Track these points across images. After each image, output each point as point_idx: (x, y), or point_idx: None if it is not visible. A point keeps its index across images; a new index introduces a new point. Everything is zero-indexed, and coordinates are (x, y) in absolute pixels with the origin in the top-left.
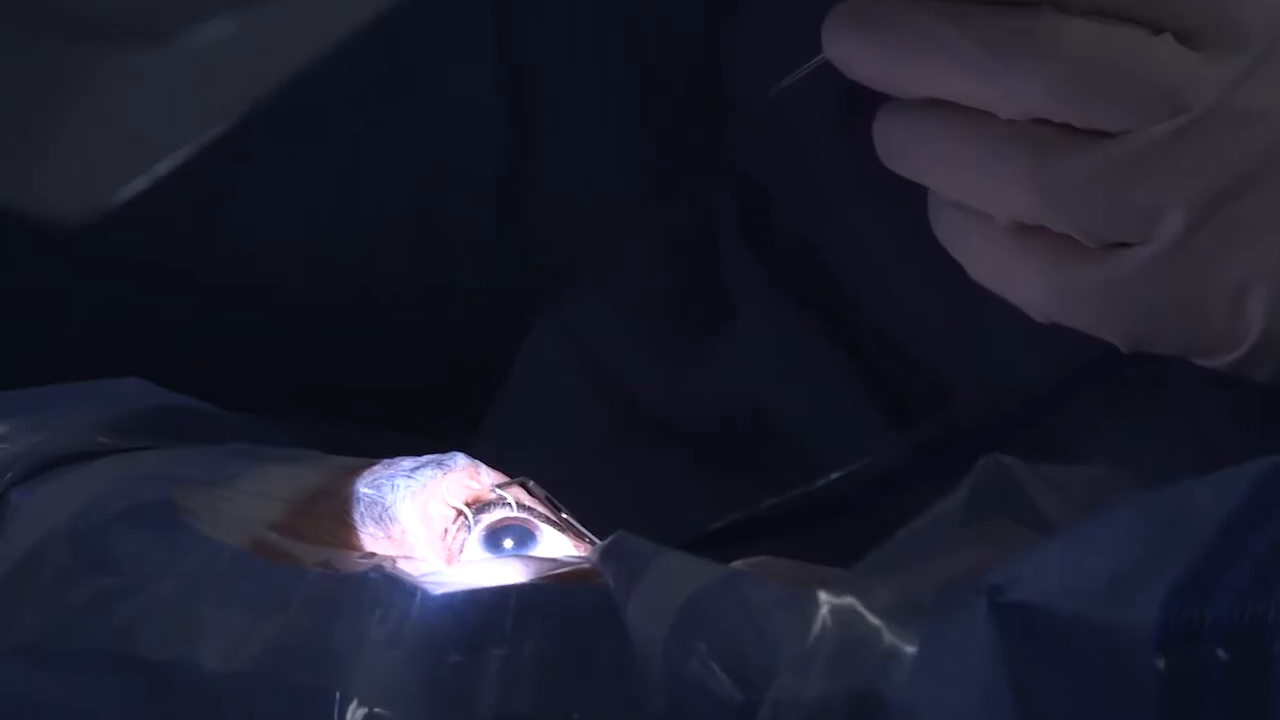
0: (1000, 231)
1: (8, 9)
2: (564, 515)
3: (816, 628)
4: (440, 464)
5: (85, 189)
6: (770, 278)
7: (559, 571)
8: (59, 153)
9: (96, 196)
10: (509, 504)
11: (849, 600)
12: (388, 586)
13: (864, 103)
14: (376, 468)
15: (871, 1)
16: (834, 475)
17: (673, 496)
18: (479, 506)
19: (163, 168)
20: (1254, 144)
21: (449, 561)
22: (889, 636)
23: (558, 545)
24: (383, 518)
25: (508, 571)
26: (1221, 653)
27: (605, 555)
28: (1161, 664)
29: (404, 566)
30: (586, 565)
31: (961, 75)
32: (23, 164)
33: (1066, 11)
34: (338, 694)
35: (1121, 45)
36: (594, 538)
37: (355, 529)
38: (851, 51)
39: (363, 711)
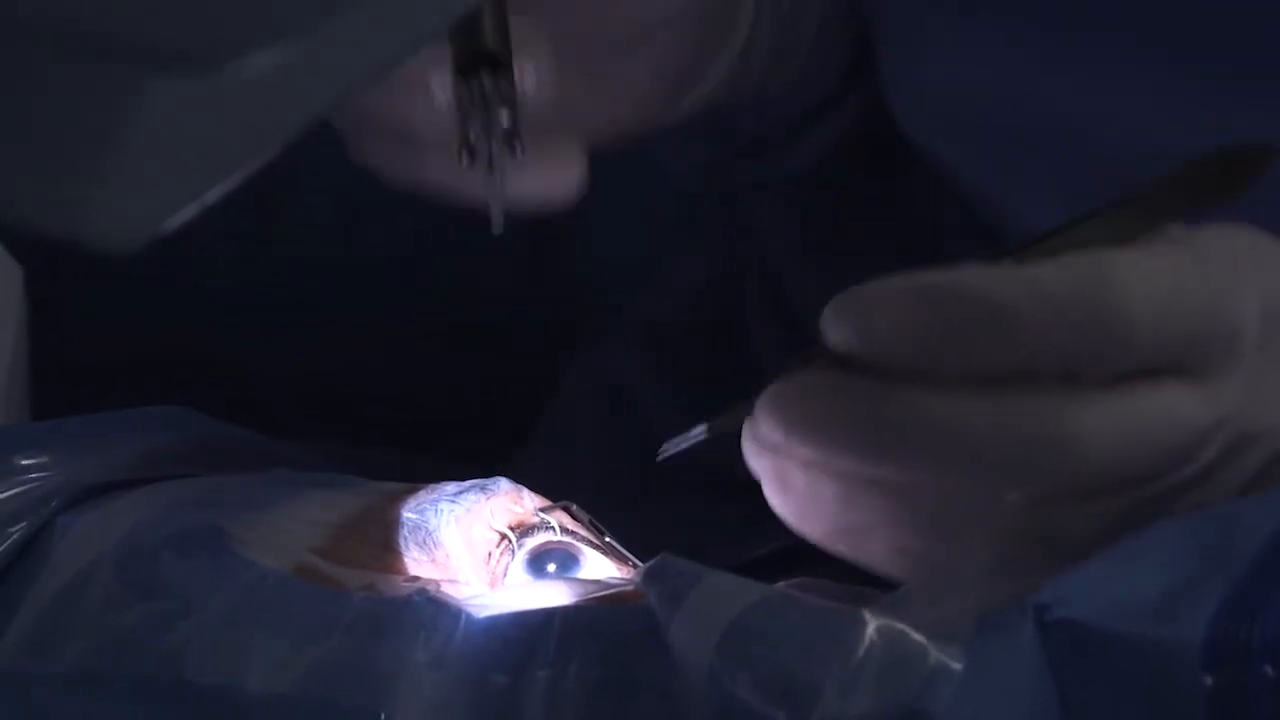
0: None
1: (60, 38)
2: (607, 539)
3: (863, 646)
4: (483, 488)
5: (137, 217)
6: (791, 325)
7: (603, 594)
8: (111, 181)
9: (148, 225)
10: (552, 528)
11: (895, 619)
12: (432, 610)
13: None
14: (420, 492)
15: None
16: None
17: (702, 534)
18: (522, 530)
19: (213, 196)
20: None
21: (493, 585)
22: (935, 654)
23: (601, 569)
24: (426, 542)
25: (551, 594)
26: (1269, 670)
27: (649, 576)
28: (1209, 681)
29: (448, 590)
30: (630, 588)
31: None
32: (75, 192)
33: (1081, 386)
34: (382, 716)
35: (1137, 416)
36: (637, 561)
37: (399, 553)
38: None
39: None
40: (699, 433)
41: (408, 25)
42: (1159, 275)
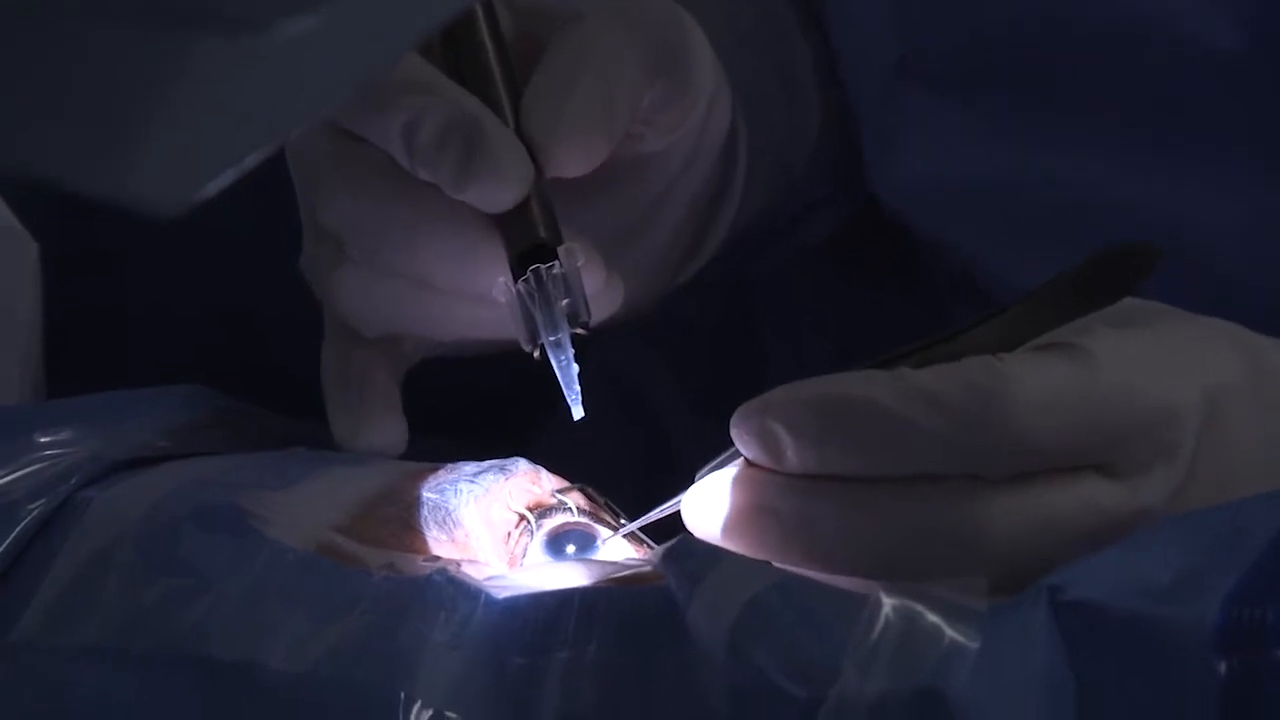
0: None
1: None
2: (623, 520)
3: (879, 626)
4: (502, 469)
5: (179, 180)
6: (801, 362)
7: (621, 575)
8: (153, 144)
9: (190, 188)
10: (570, 509)
11: (910, 599)
12: (452, 589)
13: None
14: (440, 472)
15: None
16: None
17: None
18: (541, 511)
19: (251, 161)
20: None
21: (511, 565)
22: (950, 634)
23: (618, 549)
24: (446, 521)
25: (570, 575)
26: None
27: (668, 556)
28: (1223, 664)
29: (467, 570)
30: (648, 569)
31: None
32: (118, 155)
33: (985, 484)
34: (403, 695)
35: (1042, 509)
36: (652, 543)
37: (419, 532)
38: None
39: (428, 713)
40: (731, 453)
41: None
42: (1052, 381)
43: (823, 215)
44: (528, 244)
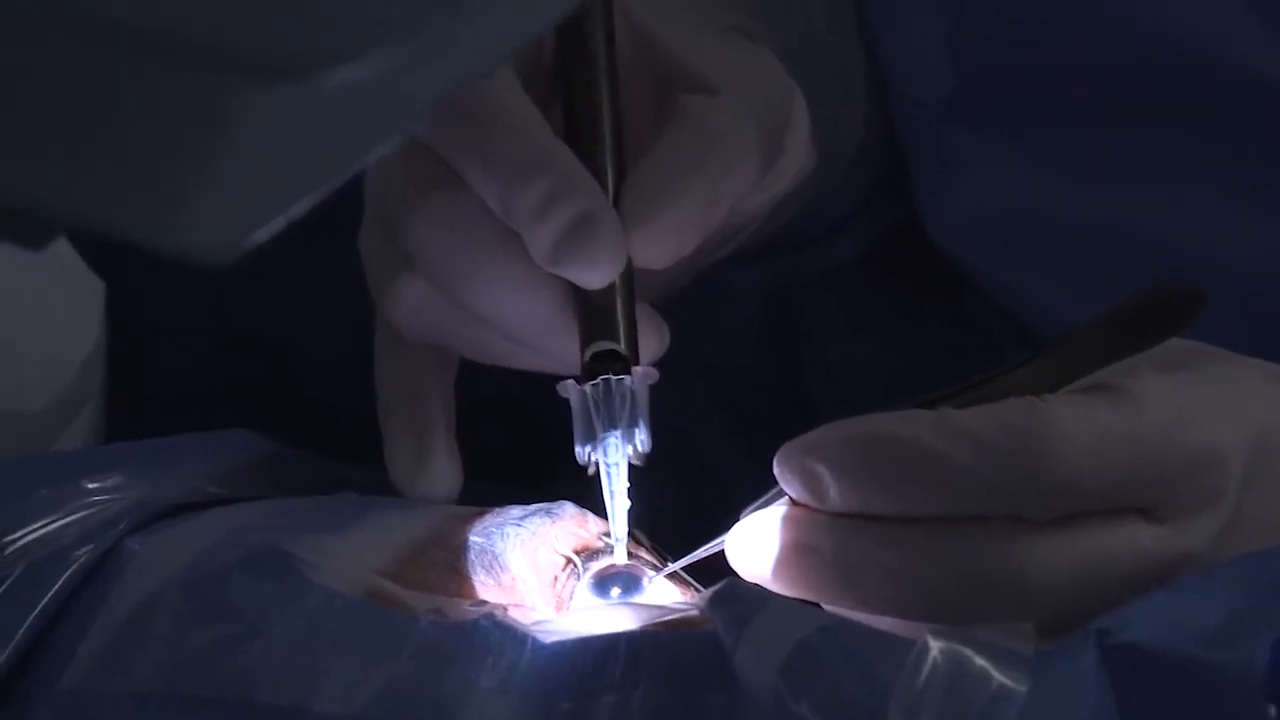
0: None
1: (149, 46)
2: (670, 562)
3: (926, 669)
4: (549, 512)
5: (226, 229)
6: (840, 400)
7: (667, 618)
8: (200, 191)
9: (237, 237)
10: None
11: (959, 643)
12: (499, 634)
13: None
14: (486, 516)
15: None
16: None
17: None
18: (588, 554)
19: (299, 209)
20: None
21: (559, 609)
22: (998, 678)
23: (665, 592)
24: (493, 565)
25: (617, 618)
26: None
27: (715, 600)
28: (1272, 710)
29: (514, 614)
30: (694, 612)
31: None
32: (164, 202)
33: (1028, 527)
34: None
35: (1084, 553)
36: (699, 585)
37: (466, 577)
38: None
39: None
40: (775, 493)
41: (494, 38)
42: (1095, 423)
43: (861, 227)
44: (605, 348)
